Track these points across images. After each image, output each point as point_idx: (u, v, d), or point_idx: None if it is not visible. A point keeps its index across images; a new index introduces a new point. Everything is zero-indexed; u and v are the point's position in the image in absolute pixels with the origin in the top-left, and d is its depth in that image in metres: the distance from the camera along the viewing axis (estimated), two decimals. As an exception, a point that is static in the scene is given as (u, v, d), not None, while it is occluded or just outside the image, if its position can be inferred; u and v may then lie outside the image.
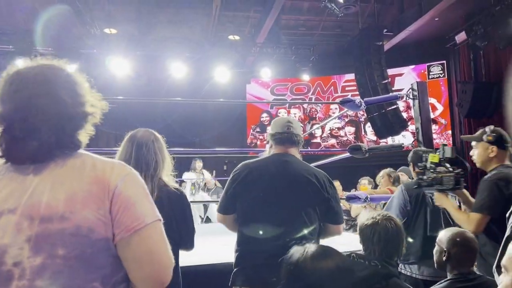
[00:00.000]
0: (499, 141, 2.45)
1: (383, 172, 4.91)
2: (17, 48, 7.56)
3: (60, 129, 1.05)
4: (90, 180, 1.03)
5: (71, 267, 0.98)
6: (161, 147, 2.06)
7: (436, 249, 2.07)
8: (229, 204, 2.09)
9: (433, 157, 2.57)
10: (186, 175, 7.43)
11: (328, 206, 2.07)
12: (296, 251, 1.57)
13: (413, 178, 5.39)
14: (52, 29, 6.95)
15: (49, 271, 0.96)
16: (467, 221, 2.29)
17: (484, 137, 2.48)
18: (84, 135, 1.13)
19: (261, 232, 1.97)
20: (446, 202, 2.51)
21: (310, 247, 1.57)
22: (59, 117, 1.05)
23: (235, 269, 2.00)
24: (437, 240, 2.08)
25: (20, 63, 1.15)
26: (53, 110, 1.05)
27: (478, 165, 2.59)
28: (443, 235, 2.05)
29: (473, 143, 2.59)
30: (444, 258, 1.99)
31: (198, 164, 7.61)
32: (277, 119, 2.29)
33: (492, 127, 2.54)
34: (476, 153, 2.53)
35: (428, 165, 2.57)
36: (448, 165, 2.56)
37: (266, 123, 11.05)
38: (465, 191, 2.56)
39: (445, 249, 1.99)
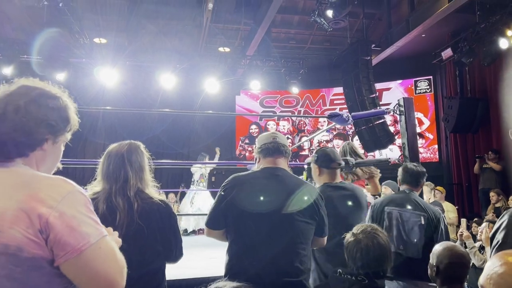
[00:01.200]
0: (319, 160, 2.58)
1: None
2: (4, 56, 7.50)
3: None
4: (22, 198, 0.99)
5: (3, 287, 0.96)
6: (135, 159, 2.00)
7: (429, 263, 2.06)
8: (219, 219, 2.03)
9: (304, 176, 2.70)
10: (195, 168, 7.48)
11: (319, 222, 2.07)
12: None
13: (395, 191, 5.49)
14: (41, 39, 6.92)
15: None
16: None
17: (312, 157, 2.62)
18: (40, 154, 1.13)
19: (253, 248, 1.93)
20: None
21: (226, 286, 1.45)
22: (3, 117, 1.07)
23: None
24: (430, 254, 2.07)
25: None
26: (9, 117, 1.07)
27: None
28: (435, 249, 2.04)
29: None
30: (434, 273, 1.98)
31: (205, 159, 7.65)
32: (261, 135, 2.26)
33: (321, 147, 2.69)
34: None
35: None
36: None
37: (255, 135, 11.07)
38: None
39: (435, 264, 1.98)
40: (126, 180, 1.93)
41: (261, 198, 1.98)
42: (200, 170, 7.42)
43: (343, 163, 2.66)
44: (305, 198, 2.02)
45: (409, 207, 2.80)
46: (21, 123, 1.07)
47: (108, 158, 1.98)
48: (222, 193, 2.04)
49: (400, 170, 3.02)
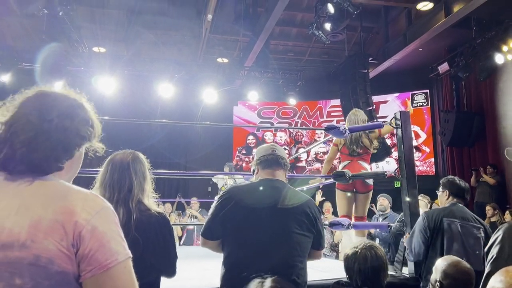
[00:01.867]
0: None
1: None
2: (2, 64, 7.51)
3: (35, 145, 1.02)
4: (58, 209, 0.98)
5: None
6: (139, 168, 1.99)
7: (431, 277, 2.03)
8: (215, 230, 2.01)
9: None
10: (216, 178, 7.49)
11: (316, 235, 2.07)
12: (252, 285, 1.54)
13: (391, 203, 5.49)
14: (40, 49, 6.96)
15: None
16: None
17: None
18: (70, 165, 1.11)
19: (251, 260, 1.91)
20: None
21: (267, 282, 1.55)
22: (39, 133, 1.03)
23: None
24: (433, 268, 2.04)
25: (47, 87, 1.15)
26: (35, 125, 1.03)
27: None
28: (439, 263, 2.01)
29: None
30: None
31: (226, 169, 7.67)
32: (260, 146, 2.27)
33: None
34: None
35: None
36: None
37: (252, 145, 11.08)
38: None
39: (438, 279, 1.95)
40: (131, 190, 1.91)
41: (260, 209, 1.98)
42: (223, 180, 7.45)
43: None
44: (303, 211, 2.02)
45: (468, 219, 2.82)
46: (59, 139, 1.05)
47: (112, 166, 1.95)
48: (220, 203, 2.03)
49: (446, 183, 3.02)
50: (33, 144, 1.02)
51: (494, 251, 1.84)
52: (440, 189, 3.08)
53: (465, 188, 2.99)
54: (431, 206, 5.38)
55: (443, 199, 3.04)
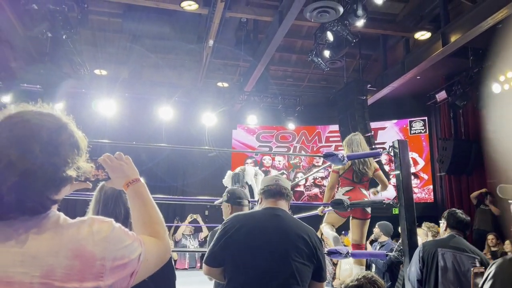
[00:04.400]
0: (230, 199, 2.84)
1: None
2: (4, 84, 7.55)
3: (24, 188, 0.93)
4: (70, 254, 0.93)
5: None
6: None
7: None
8: (218, 257, 2.04)
9: None
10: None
11: (317, 265, 2.06)
12: None
13: (383, 232, 5.44)
14: (42, 72, 7.01)
15: None
16: None
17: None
18: (62, 194, 1.03)
19: (249, 286, 1.94)
20: None
21: None
22: (26, 175, 0.93)
23: None
24: None
25: (15, 108, 1.02)
26: (20, 167, 0.92)
27: None
28: None
29: None
30: None
31: None
32: (265, 177, 2.39)
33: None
34: None
35: None
36: None
37: (250, 170, 11.04)
38: None
39: None
40: (127, 217, 1.85)
41: (260, 237, 2.02)
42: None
43: (246, 202, 2.85)
44: (303, 239, 2.04)
45: (463, 250, 2.88)
46: (48, 177, 0.96)
47: (104, 195, 1.88)
48: (223, 230, 2.08)
49: (446, 214, 3.17)
50: (21, 189, 0.93)
51: (486, 287, 1.85)
52: (442, 219, 3.20)
53: (464, 220, 3.06)
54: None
55: (442, 230, 3.16)
